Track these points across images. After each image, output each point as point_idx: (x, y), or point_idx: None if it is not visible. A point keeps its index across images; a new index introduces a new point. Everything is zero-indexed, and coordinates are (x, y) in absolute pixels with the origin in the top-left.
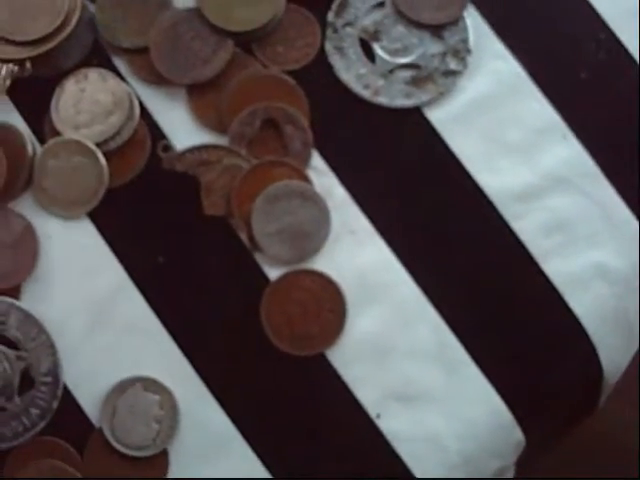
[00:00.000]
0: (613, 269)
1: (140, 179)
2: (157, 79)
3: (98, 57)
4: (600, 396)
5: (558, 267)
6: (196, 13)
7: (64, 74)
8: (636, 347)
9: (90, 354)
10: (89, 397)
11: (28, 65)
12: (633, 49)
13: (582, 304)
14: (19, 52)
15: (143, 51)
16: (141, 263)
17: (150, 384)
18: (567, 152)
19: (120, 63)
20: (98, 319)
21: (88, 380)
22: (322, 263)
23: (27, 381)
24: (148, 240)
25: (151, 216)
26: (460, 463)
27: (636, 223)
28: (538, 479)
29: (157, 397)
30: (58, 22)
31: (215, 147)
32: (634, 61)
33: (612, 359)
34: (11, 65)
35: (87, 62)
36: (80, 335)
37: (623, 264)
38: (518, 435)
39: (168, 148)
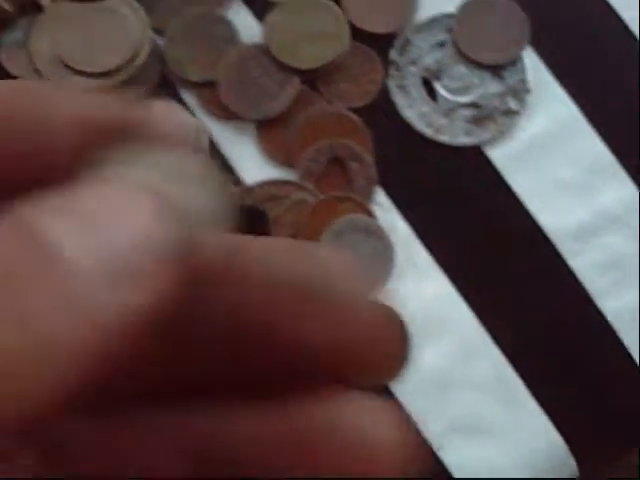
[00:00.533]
0: None
1: None
2: (226, 114)
3: (166, 91)
4: None
5: (613, 305)
6: (263, 49)
7: None
8: None
9: None
10: None
11: None
12: None
13: (635, 340)
14: (88, 83)
15: (211, 85)
16: None
17: None
18: (621, 191)
19: (189, 97)
20: None
21: None
22: (387, 298)
23: None
24: None
25: None
26: None
27: None
28: None
29: None
30: (129, 55)
31: (284, 182)
32: None
33: None
34: None
35: (155, 95)
36: None
37: None
38: (572, 467)
39: (237, 182)
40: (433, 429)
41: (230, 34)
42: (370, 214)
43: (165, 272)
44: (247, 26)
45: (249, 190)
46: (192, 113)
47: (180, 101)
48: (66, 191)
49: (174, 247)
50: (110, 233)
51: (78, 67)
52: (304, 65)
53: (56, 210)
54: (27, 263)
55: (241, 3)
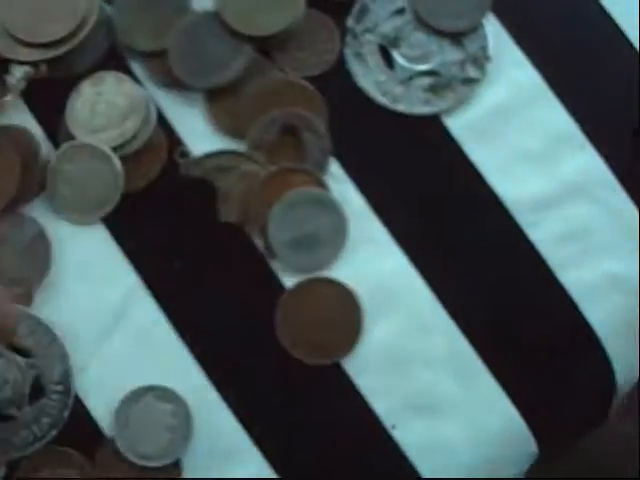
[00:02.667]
0: (628, 279)
1: (156, 184)
2: (174, 83)
3: (115, 61)
4: (612, 406)
5: (574, 277)
6: (215, 17)
7: (80, 77)
8: None
9: (102, 362)
10: (101, 406)
11: (43, 67)
12: None
13: (597, 314)
14: (35, 54)
15: (161, 55)
16: (155, 269)
17: (163, 393)
18: (584, 161)
19: (137, 67)
20: (111, 326)
21: (100, 389)
22: (339, 272)
23: (38, 390)
24: (163, 246)
25: (166, 222)
26: (473, 472)
27: None
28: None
29: (170, 406)
30: (75, 25)
31: (233, 153)
32: None
33: (625, 369)
34: (26, 67)
35: (103, 65)
36: (92, 343)
37: (637, 273)
38: (531, 444)
39: (185, 154)
40: (385, 406)
41: (181, 2)
42: (323, 186)
43: None
44: None
45: (197, 161)
46: (141, 84)
47: (128, 72)
48: None
49: None
50: None
51: (25, 39)
52: (258, 33)
53: None
54: None
55: None
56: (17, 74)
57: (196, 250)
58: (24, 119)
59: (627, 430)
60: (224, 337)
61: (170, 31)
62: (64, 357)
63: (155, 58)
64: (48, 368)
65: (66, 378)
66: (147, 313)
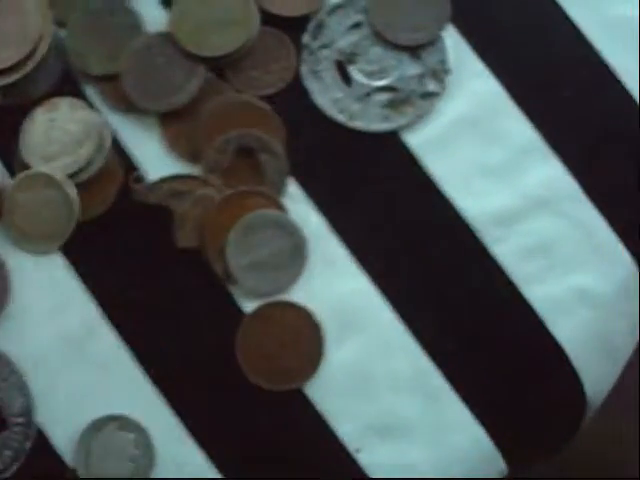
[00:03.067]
0: (596, 293)
1: (112, 211)
2: (129, 107)
3: (68, 86)
4: (583, 421)
5: (539, 292)
6: (168, 38)
7: (34, 103)
8: (619, 371)
9: (64, 393)
10: (63, 437)
11: None
12: (616, 65)
13: (564, 329)
14: None
15: (114, 78)
16: (114, 298)
17: (125, 423)
18: (548, 173)
19: (91, 91)
20: (72, 357)
21: (62, 420)
22: (299, 294)
23: None
24: (120, 274)
25: (123, 249)
26: None
27: (620, 245)
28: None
29: (132, 436)
30: (27, 50)
31: (188, 177)
32: (616, 78)
33: (595, 384)
34: None
35: (57, 91)
36: (53, 374)
37: (606, 287)
38: (500, 463)
39: (140, 179)
40: (349, 429)
41: (134, 23)
42: (281, 208)
43: None
44: (152, 15)
45: (151, 187)
46: (95, 109)
47: (83, 97)
48: None
49: None
50: None
51: None
52: (211, 53)
53: None
54: None
55: None
56: None
57: (154, 277)
58: None
59: (627, 431)
60: (184, 364)
61: (122, 53)
62: (24, 389)
63: (109, 82)
64: (8, 400)
65: (27, 410)
66: (106, 342)
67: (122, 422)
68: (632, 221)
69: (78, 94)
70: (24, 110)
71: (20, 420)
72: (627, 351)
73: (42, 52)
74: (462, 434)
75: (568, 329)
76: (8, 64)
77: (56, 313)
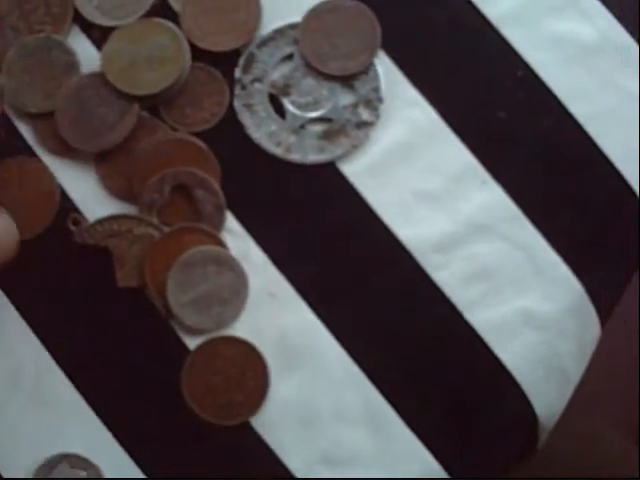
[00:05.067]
0: (540, 314)
1: (53, 253)
2: (64, 148)
3: (5, 130)
4: (537, 441)
5: (483, 316)
6: (101, 78)
7: None
8: (571, 390)
9: (16, 432)
10: (16, 475)
11: None
12: (553, 85)
13: (510, 352)
14: None
15: (50, 117)
16: (60, 339)
17: (76, 460)
18: (487, 197)
19: (27, 132)
20: (21, 398)
21: (15, 458)
22: (242, 329)
23: None
24: (66, 315)
25: (67, 291)
26: None
27: (563, 265)
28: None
29: (84, 473)
30: None
31: (124, 217)
32: (554, 97)
33: (546, 405)
34: None
35: None
36: (3, 415)
37: (551, 308)
38: None
39: (78, 221)
40: (298, 462)
41: (70, 62)
42: (221, 243)
43: None
44: (87, 54)
45: (89, 229)
46: (30, 149)
47: (18, 137)
48: None
49: None
50: None
51: None
52: (143, 91)
53: None
54: None
55: (79, 30)
56: None
57: (97, 317)
58: None
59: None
60: (132, 402)
61: (57, 93)
62: None
63: (44, 122)
64: None
65: None
66: (54, 382)
67: (74, 460)
68: (574, 241)
69: (14, 135)
70: None
71: None
72: (577, 371)
73: None
74: (412, 462)
75: (514, 352)
76: None
77: (6, 356)
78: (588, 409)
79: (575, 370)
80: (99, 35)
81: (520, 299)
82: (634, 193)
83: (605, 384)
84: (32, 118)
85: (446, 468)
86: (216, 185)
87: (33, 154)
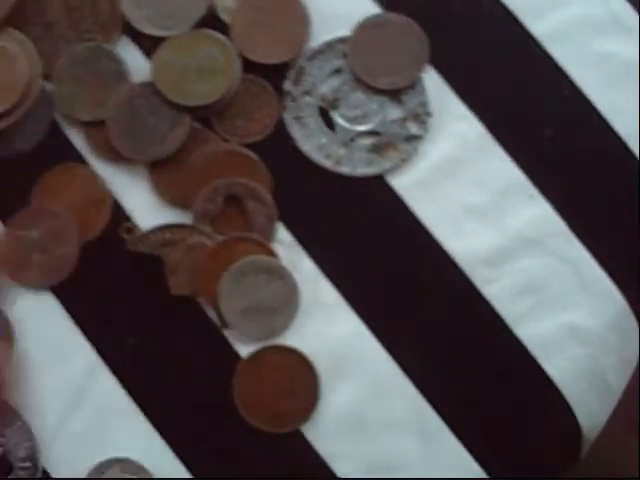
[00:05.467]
0: (586, 329)
1: (106, 260)
2: (116, 157)
3: (56, 138)
4: (580, 453)
5: (530, 331)
6: (151, 87)
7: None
8: (614, 402)
9: (67, 437)
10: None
11: None
12: (598, 102)
13: (556, 366)
14: None
15: (101, 125)
16: (112, 345)
17: (128, 465)
18: (534, 212)
19: (78, 140)
20: (73, 402)
21: (66, 464)
22: (293, 338)
23: (5, 466)
24: (117, 322)
25: (119, 298)
26: None
27: (608, 280)
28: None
29: (135, 478)
30: (17, 97)
31: (178, 226)
32: (600, 115)
33: (589, 417)
34: None
35: (44, 143)
36: (57, 419)
37: (596, 323)
38: None
39: (131, 230)
40: (348, 470)
41: (119, 71)
42: (272, 253)
43: None
44: (137, 63)
45: (142, 237)
46: (81, 157)
47: (69, 144)
48: None
49: None
50: None
51: None
52: (193, 102)
53: None
54: None
55: (128, 40)
56: None
57: (149, 324)
58: None
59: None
60: (183, 408)
61: (109, 102)
62: (29, 434)
63: (97, 131)
64: (14, 446)
65: (33, 454)
66: (106, 388)
67: (126, 465)
68: (619, 256)
69: (65, 144)
70: (12, 163)
71: (26, 464)
72: (620, 384)
73: (31, 99)
74: (459, 471)
75: (560, 366)
76: None
77: (57, 361)
78: None
79: (617, 383)
80: (148, 45)
81: (566, 314)
82: None
83: None
84: (83, 126)
85: (492, 476)
86: (268, 196)
87: (83, 161)
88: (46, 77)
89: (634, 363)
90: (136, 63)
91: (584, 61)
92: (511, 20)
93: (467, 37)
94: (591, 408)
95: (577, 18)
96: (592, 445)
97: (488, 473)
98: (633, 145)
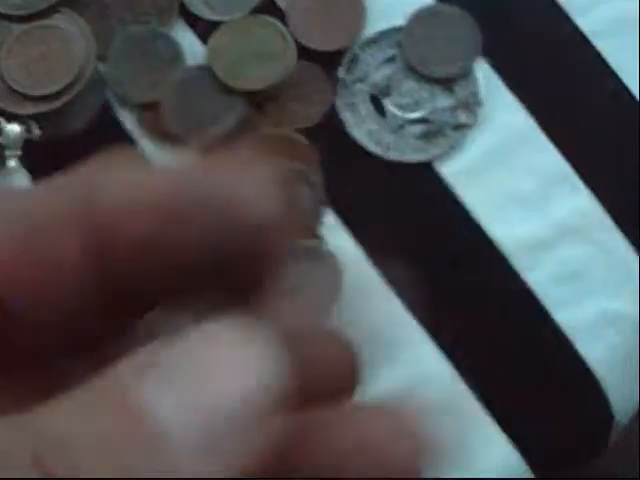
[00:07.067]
0: (624, 316)
1: None
2: (169, 139)
3: (106, 119)
4: (611, 439)
5: (570, 316)
6: (207, 71)
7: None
8: None
9: None
10: None
11: (36, 130)
12: None
13: (593, 352)
14: (30, 107)
15: (154, 107)
16: None
17: None
18: (577, 202)
19: (129, 122)
20: None
21: None
22: (337, 321)
23: None
24: None
25: None
26: None
27: None
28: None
29: None
30: (72, 76)
31: None
32: None
33: (622, 404)
34: (19, 128)
35: (96, 124)
36: None
37: (634, 311)
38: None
39: None
40: None
41: (174, 53)
42: (318, 237)
43: (272, 428)
44: (191, 47)
45: None
46: (133, 139)
47: (121, 126)
48: (167, 347)
49: (283, 393)
50: (209, 391)
51: (24, 91)
52: (249, 87)
53: (153, 372)
54: (124, 432)
55: (184, 23)
56: (11, 134)
57: None
58: (23, 183)
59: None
60: None
61: (163, 85)
62: None
63: (148, 111)
64: None
65: None
66: None
67: None
68: None
69: (116, 125)
70: (65, 142)
71: None
72: None
73: (85, 80)
74: (495, 452)
75: (597, 352)
76: (51, 91)
77: None
78: None
79: None
80: (204, 29)
81: (604, 301)
82: None
83: None
84: (136, 107)
85: (526, 459)
86: (318, 181)
87: (134, 143)
88: (100, 58)
89: None
90: (191, 47)
91: (630, 55)
92: (560, 14)
93: (517, 30)
94: (624, 395)
95: (624, 13)
96: None
97: (523, 455)
98: None
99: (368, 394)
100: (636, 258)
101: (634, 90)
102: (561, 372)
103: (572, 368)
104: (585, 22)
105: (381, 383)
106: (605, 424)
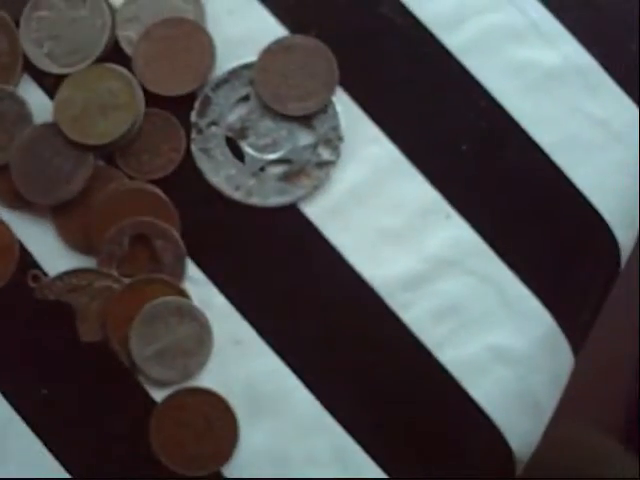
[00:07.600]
0: (511, 349)
1: (14, 309)
2: (21, 202)
3: None
4: (514, 474)
5: (453, 354)
6: (54, 128)
7: None
8: (546, 421)
9: None
10: None
11: None
12: (516, 114)
13: (482, 389)
14: None
15: (4, 170)
16: (25, 397)
17: None
18: (452, 232)
19: None
20: None
21: None
22: (209, 379)
23: None
24: (29, 373)
25: (30, 347)
26: None
27: (533, 298)
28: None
29: None
30: None
31: (83, 271)
32: (518, 126)
33: (521, 439)
34: None
35: None
36: None
37: (522, 343)
38: None
39: (37, 277)
40: None
41: (22, 112)
42: (182, 293)
43: None
44: (40, 104)
45: (49, 284)
46: None
47: None
48: None
49: None
50: None
51: None
52: (97, 141)
53: None
54: None
55: (30, 79)
56: None
57: (61, 373)
58: None
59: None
60: (100, 456)
61: (10, 147)
62: None
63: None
64: None
65: None
66: (24, 441)
67: None
68: (543, 273)
69: None
70: None
71: None
72: (551, 402)
73: None
74: None
75: (485, 389)
76: None
77: None
78: (573, 410)
79: (548, 402)
80: (52, 83)
81: (490, 335)
82: (604, 222)
83: (590, 384)
84: None
85: None
86: (176, 234)
87: None
88: None
89: (564, 380)
90: (40, 103)
91: (500, 71)
92: (423, 33)
93: (377, 55)
94: (522, 429)
95: (492, 28)
96: (575, 457)
97: None
98: (557, 158)
99: (245, 448)
100: (519, 285)
101: (507, 106)
102: (450, 413)
103: (462, 408)
104: (451, 39)
105: (259, 440)
106: (505, 463)
